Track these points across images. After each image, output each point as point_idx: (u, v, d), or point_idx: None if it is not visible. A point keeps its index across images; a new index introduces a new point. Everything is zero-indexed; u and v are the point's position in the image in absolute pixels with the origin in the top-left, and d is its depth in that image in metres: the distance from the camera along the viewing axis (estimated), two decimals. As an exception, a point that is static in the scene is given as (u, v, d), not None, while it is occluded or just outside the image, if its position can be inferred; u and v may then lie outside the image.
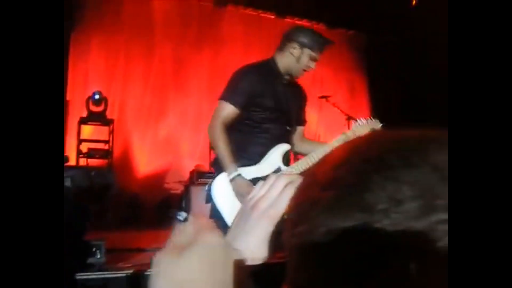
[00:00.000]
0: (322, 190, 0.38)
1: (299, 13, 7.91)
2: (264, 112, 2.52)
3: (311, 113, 8.02)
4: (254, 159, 2.49)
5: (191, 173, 6.21)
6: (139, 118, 6.81)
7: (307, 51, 2.57)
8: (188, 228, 0.51)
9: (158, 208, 6.36)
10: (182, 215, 0.63)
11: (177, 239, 0.50)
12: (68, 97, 6.61)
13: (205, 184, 5.72)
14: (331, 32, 8.43)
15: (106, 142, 6.19)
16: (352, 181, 0.36)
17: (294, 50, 2.58)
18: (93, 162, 6.06)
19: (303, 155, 2.69)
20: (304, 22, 8.14)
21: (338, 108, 6.88)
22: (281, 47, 2.64)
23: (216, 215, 2.35)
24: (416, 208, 0.33)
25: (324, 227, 0.36)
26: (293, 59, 2.59)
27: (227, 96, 2.49)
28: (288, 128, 2.66)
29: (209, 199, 2.51)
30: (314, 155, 2.38)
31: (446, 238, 0.32)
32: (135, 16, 6.85)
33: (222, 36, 7.44)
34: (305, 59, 2.58)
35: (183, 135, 7.01)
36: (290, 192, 0.60)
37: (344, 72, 8.45)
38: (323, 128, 8.24)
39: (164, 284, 0.46)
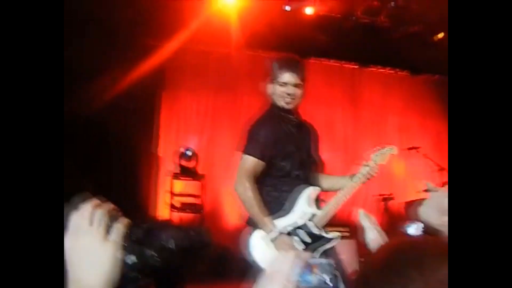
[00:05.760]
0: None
1: (380, 61, 7.86)
2: (288, 159, 2.45)
3: (399, 163, 7.78)
4: (286, 209, 2.41)
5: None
6: (228, 172, 6.94)
7: (276, 83, 2.53)
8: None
9: (246, 260, 6.34)
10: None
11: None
12: (160, 152, 6.91)
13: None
14: (415, 79, 8.26)
15: (197, 196, 6.34)
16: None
17: (269, 89, 2.57)
18: (186, 216, 6.21)
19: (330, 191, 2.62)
20: (387, 70, 8.06)
21: (430, 159, 6.61)
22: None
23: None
24: None
25: None
26: (271, 96, 2.56)
27: (248, 149, 2.42)
28: (313, 169, 2.59)
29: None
30: (341, 195, 2.41)
31: None
32: (221, 70, 7.11)
33: (306, 88, 7.52)
34: (278, 90, 2.53)
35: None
36: (295, 263, 0.82)
37: (431, 119, 8.17)
38: (411, 177, 7.94)
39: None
